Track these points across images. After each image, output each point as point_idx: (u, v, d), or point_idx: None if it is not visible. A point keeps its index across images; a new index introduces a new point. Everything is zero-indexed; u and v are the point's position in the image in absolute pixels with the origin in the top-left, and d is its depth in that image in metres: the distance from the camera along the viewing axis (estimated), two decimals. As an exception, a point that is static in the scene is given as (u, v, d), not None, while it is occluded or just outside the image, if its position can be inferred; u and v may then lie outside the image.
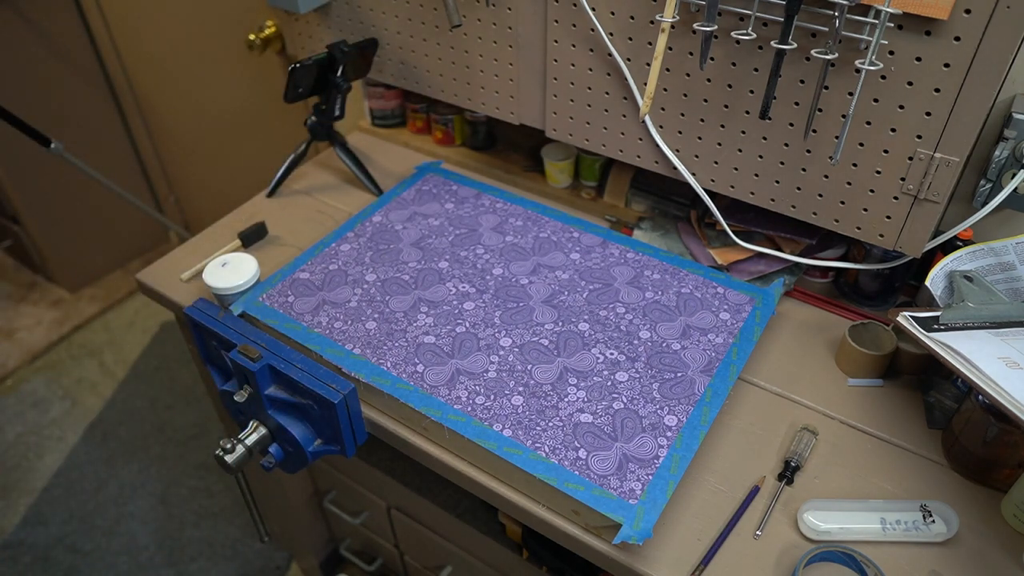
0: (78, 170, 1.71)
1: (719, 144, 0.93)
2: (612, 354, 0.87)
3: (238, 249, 1.11)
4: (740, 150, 0.91)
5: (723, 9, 0.81)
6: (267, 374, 0.85)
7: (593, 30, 0.94)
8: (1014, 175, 0.81)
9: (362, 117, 1.39)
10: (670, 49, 0.89)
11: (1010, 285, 0.85)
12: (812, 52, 0.78)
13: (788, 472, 0.79)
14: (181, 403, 2.01)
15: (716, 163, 0.94)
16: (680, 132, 0.95)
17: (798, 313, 0.99)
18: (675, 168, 0.98)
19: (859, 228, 0.88)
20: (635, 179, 1.13)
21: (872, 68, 0.74)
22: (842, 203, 0.87)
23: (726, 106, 0.89)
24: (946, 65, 0.73)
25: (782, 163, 0.89)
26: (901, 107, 0.77)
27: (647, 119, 0.96)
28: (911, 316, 0.78)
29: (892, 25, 0.73)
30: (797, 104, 0.84)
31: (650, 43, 0.90)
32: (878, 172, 0.83)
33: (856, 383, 0.90)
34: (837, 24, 0.74)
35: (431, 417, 0.80)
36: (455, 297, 0.95)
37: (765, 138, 0.88)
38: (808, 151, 0.86)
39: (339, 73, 1.11)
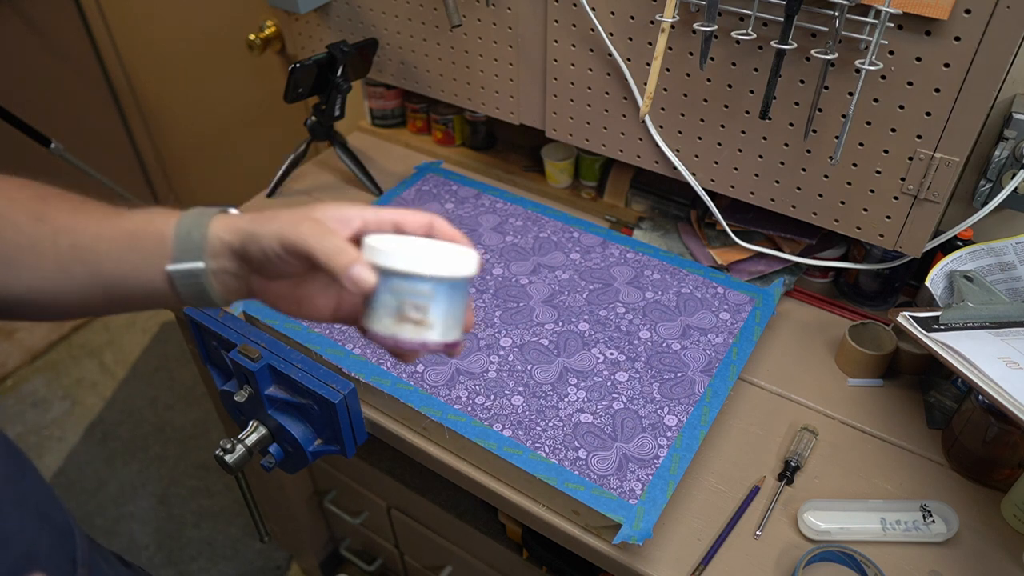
0: (78, 170, 1.71)
1: (719, 144, 0.93)
2: (612, 354, 0.87)
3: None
4: (740, 150, 0.91)
5: (723, 9, 0.81)
6: (267, 374, 0.85)
7: (593, 30, 0.94)
8: (1014, 175, 0.81)
9: (362, 117, 1.39)
10: (670, 49, 0.89)
11: (1010, 285, 0.85)
12: (812, 52, 0.78)
13: (788, 472, 0.79)
14: (181, 403, 2.01)
15: (716, 163, 0.94)
16: (680, 132, 0.95)
17: (798, 313, 0.99)
18: (675, 168, 0.98)
19: (859, 228, 0.88)
20: (635, 179, 1.13)
21: (872, 68, 0.74)
22: (842, 203, 0.87)
23: (726, 106, 0.89)
24: (946, 65, 0.73)
25: (782, 163, 0.89)
26: (901, 107, 0.77)
27: (647, 119, 0.96)
28: (911, 316, 0.78)
29: (892, 25, 0.73)
30: (797, 104, 0.84)
31: (650, 43, 0.90)
32: (878, 172, 0.83)
33: (856, 383, 0.90)
34: (837, 24, 0.74)
35: (431, 417, 0.80)
36: (455, 297, 0.95)
37: (765, 138, 0.88)
38: (808, 151, 0.86)
39: (339, 73, 1.11)
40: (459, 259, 0.43)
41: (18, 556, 0.42)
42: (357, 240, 0.47)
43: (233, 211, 0.50)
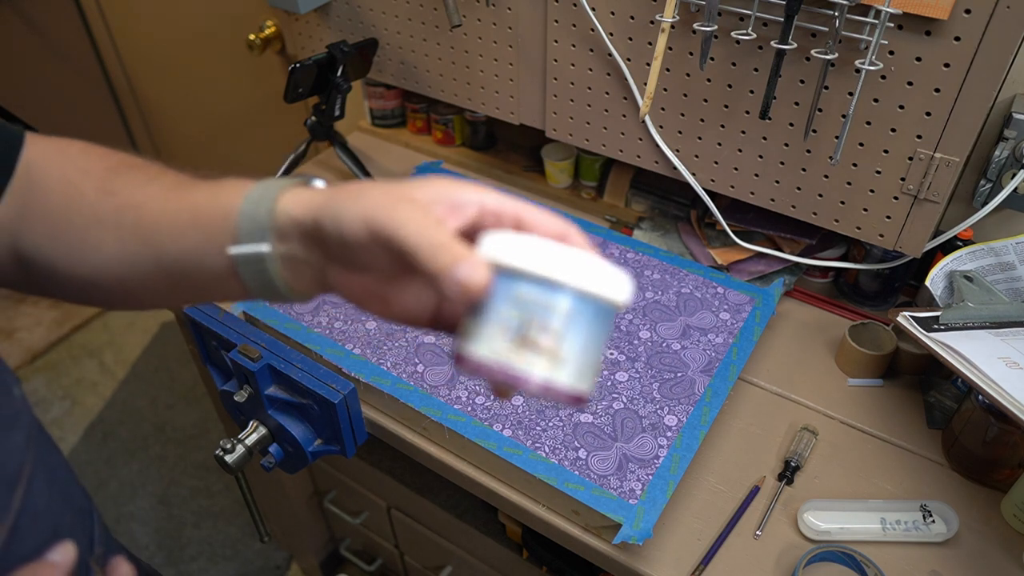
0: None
1: (719, 144, 0.93)
2: (612, 354, 0.87)
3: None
4: (740, 150, 0.91)
5: (723, 9, 0.81)
6: (267, 374, 0.85)
7: (593, 30, 0.94)
8: (1014, 175, 0.81)
9: (362, 117, 1.39)
10: (670, 49, 0.89)
11: (1010, 285, 0.85)
12: (812, 52, 0.78)
13: (788, 472, 0.79)
14: (181, 403, 2.01)
15: (716, 163, 0.94)
16: (680, 132, 0.95)
17: (798, 313, 0.99)
18: (675, 168, 0.98)
19: (859, 228, 0.88)
20: (635, 179, 1.13)
21: (872, 68, 0.74)
22: (842, 203, 0.87)
23: (726, 106, 0.89)
24: (946, 65, 0.73)
25: (782, 163, 0.89)
26: (901, 107, 0.77)
27: (647, 119, 0.96)
28: (911, 316, 0.78)
29: (892, 25, 0.73)
30: (797, 104, 0.84)
31: (650, 43, 0.90)
32: (878, 172, 0.83)
33: (856, 383, 0.89)
34: (837, 24, 0.74)
35: (431, 417, 0.80)
36: (455, 297, 0.95)
37: (765, 138, 0.88)
38: (808, 151, 0.86)
39: (339, 73, 1.11)
40: (611, 278, 0.31)
41: (46, 531, 0.43)
42: (469, 236, 0.36)
43: (318, 183, 0.40)
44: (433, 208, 0.35)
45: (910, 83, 0.76)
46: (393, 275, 0.38)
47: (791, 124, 0.86)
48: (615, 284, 0.32)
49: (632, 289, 0.33)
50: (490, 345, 0.31)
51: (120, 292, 0.43)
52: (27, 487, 0.41)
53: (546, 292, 0.31)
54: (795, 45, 0.79)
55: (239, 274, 0.39)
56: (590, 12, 0.91)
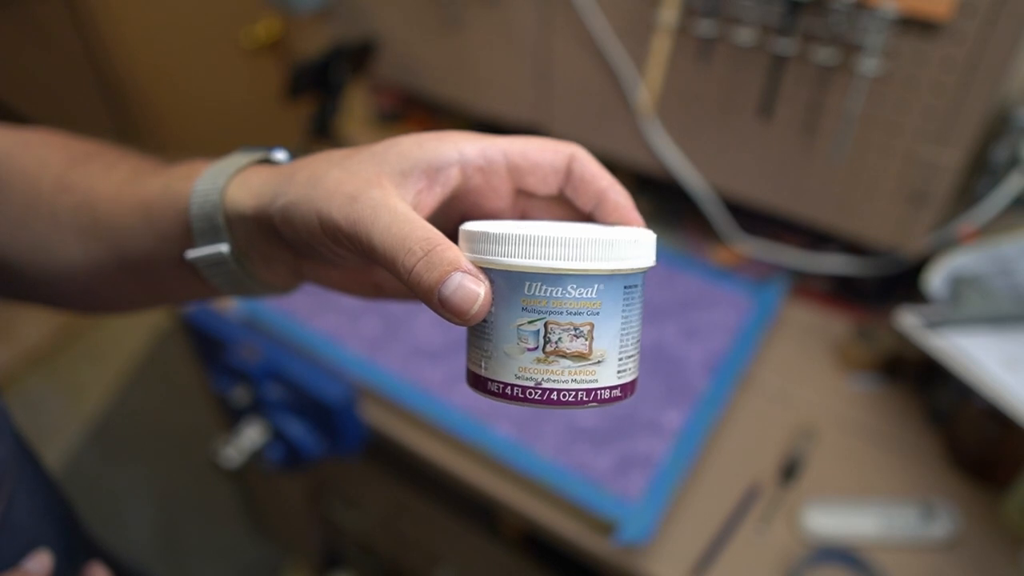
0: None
1: (719, 144, 0.92)
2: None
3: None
4: (740, 150, 0.91)
5: (724, 9, 0.81)
6: (267, 374, 0.85)
7: (593, 30, 0.94)
8: (1015, 175, 0.81)
9: (362, 117, 1.39)
10: (670, 49, 0.89)
11: (1010, 285, 0.85)
12: (812, 52, 0.78)
13: (788, 472, 0.79)
14: (181, 403, 2.01)
15: (716, 163, 0.94)
16: (680, 132, 0.95)
17: (798, 313, 0.99)
18: (675, 168, 0.98)
19: (859, 228, 0.88)
20: (636, 179, 1.13)
21: (872, 68, 0.74)
22: (842, 203, 0.87)
23: (726, 106, 0.89)
24: (946, 65, 0.73)
25: (782, 163, 0.89)
26: (901, 107, 0.77)
27: (647, 119, 0.96)
28: (911, 316, 0.78)
29: (892, 25, 0.73)
30: (797, 104, 0.84)
31: (650, 43, 0.90)
32: (878, 172, 0.83)
33: (856, 383, 0.89)
34: (838, 24, 0.74)
35: (431, 417, 0.80)
36: (455, 297, 0.95)
37: (765, 138, 0.88)
38: (808, 151, 0.86)
39: (339, 73, 1.11)
40: (626, 241, 0.26)
41: (26, 544, 0.42)
42: (458, 204, 0.31)
43: (279, 155, 0.35)
44: (406, 186, 0.30)
45: (910, 83, 0.76)
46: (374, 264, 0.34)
47: (791, 124, 0.86)
48: (632, 247, 0.27)
49: (653, 240, 0.28)
50: (513, 365, 0.26)
51: (91, 296, 0.40)
52: (8, 502, 0.40)
53: (568, 285, 0.26)
54: (796, 45, 0.79)
55: (205, 277, 0.35)
56: (590, 12, 0.91)
